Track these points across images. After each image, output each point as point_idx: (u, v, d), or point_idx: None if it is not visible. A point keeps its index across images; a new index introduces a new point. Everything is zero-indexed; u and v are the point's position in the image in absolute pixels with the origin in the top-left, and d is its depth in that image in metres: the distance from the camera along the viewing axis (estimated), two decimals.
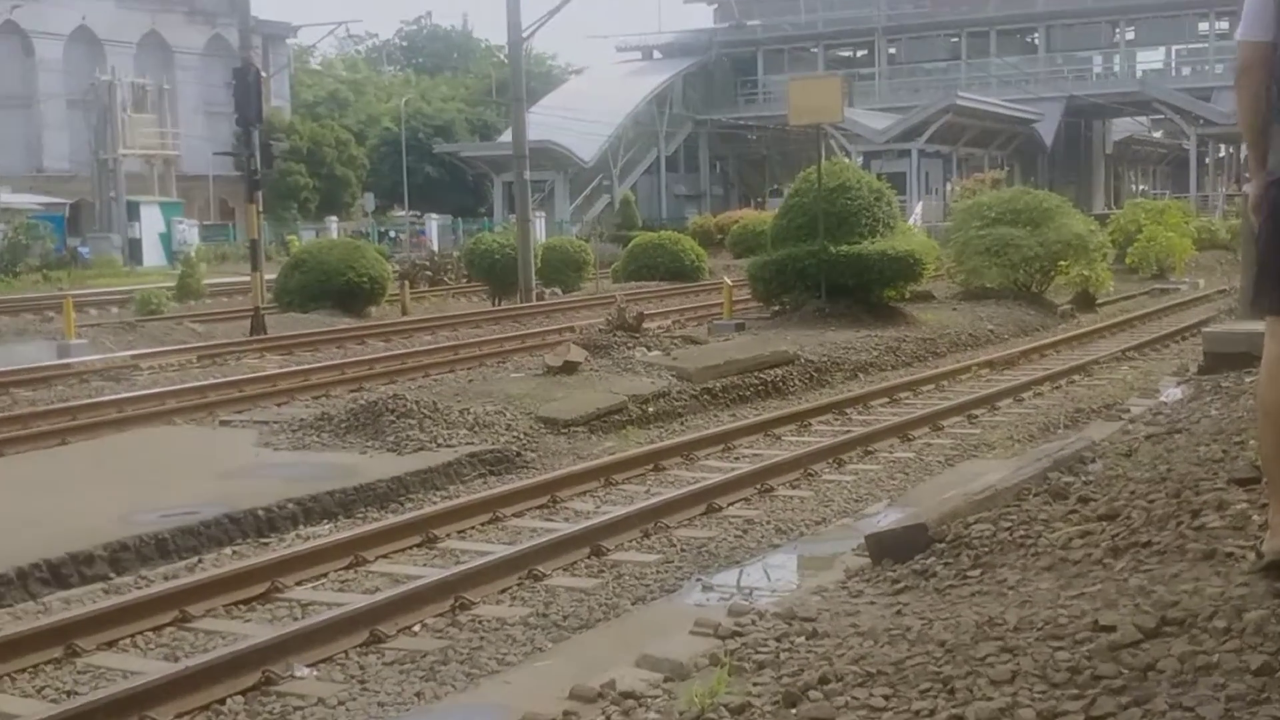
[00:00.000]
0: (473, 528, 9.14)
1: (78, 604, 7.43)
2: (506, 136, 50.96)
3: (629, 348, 16.42)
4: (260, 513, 9.13)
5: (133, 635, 6.83)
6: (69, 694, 6.09)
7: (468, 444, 11.31)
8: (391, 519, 9.19)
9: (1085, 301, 25.68)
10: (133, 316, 26.08)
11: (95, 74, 54.97)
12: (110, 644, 6.71)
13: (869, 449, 11.73)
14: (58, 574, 7.79)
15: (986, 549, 5.41)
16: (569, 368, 14.66)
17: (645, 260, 34.96)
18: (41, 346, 20.55)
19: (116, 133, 52.71)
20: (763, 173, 76.12)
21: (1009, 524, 5.66)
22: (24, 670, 6.34)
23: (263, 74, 26.22)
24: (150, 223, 50.50)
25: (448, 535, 8.88)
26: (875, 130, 60.00)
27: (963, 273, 25.57)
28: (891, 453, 11.77)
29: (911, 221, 38.21)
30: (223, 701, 5.90)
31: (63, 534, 8.26)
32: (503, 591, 7.58)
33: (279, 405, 15.01)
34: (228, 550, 8.68)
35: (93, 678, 6.32)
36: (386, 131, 71.72)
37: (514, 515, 9.48)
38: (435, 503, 9.90)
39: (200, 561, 8.41)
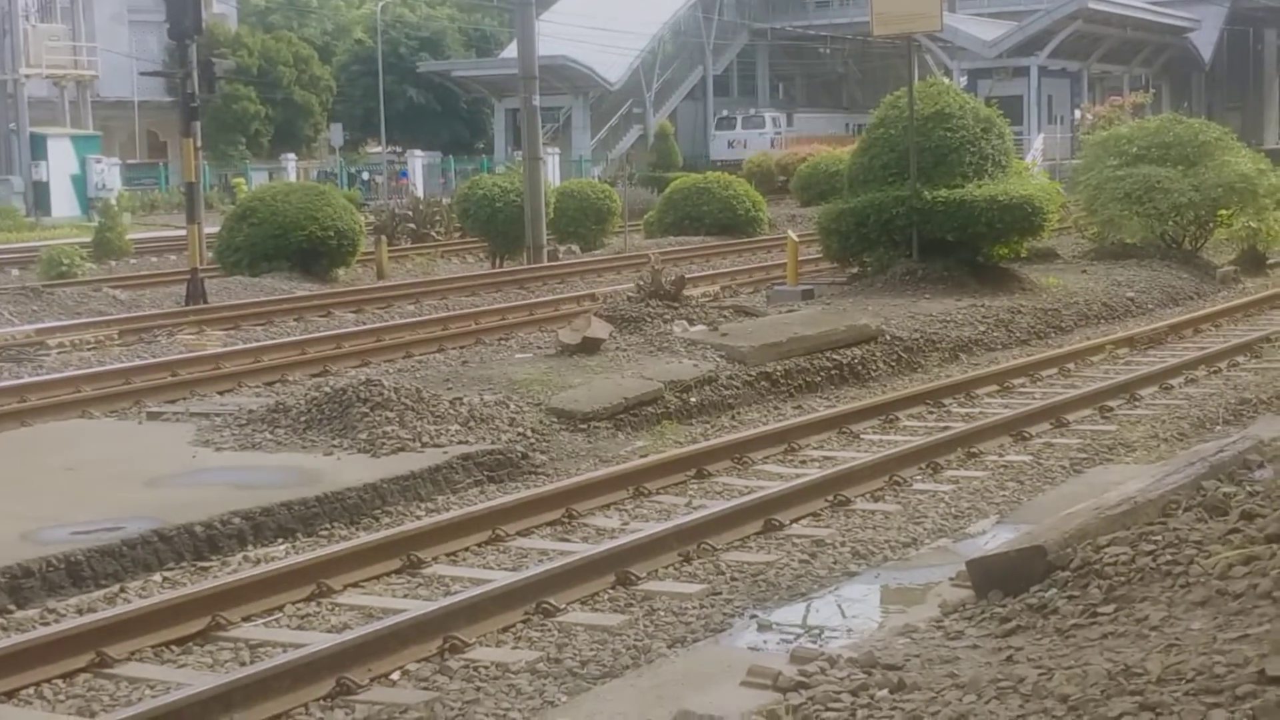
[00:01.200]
0: (466, 549, 9.18)
1: None
2: (511, 52, 51.04)
3: (666, 321, 16.42)
4: (198, 529, 9.19)
5: (38, 684, 6.89)
6: None
7: (460, 443, 11.36)
8: (364, 538, 9.24)
9: (1252, 261, 25.50)
10: (38, 280, 26.29)
11: None
12: (9, 694, 6.78)
13: (973, 450, 11.70)
14: None
15: (1122, 578, 5.38)
16: (589, 346, 14.68)
17: (687, 209, 34.95)
18: None
19: (17, 47, 53.07)
20: (838, 97, 75.90)
21: (1151, 546, 5.63)
22: None
23: None
24: (60, 161, 50.82)
25: (435, 558, 8.92)
26: (983, 42, 59.73)
27: (1095, 225, 25.47)
28: (1002, 455, 11.74)
29: (1029, 159, 38.00)
30: None
31: None
32: (504, 630, 7.61)
33: (222, 393, 15.10)
34: (157, 576, 8.74)
35: None
36: (358, 46, 71.89)
37: (519, 534, 9.51)
38: (419, 517, 9.94)
39: (123, 591, 8.48)
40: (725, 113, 67.69)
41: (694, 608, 7.93)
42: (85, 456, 11.26)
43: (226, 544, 9.23)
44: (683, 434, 12.71)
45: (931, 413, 13.57)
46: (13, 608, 8.08)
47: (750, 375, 14.33)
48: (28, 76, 53.03)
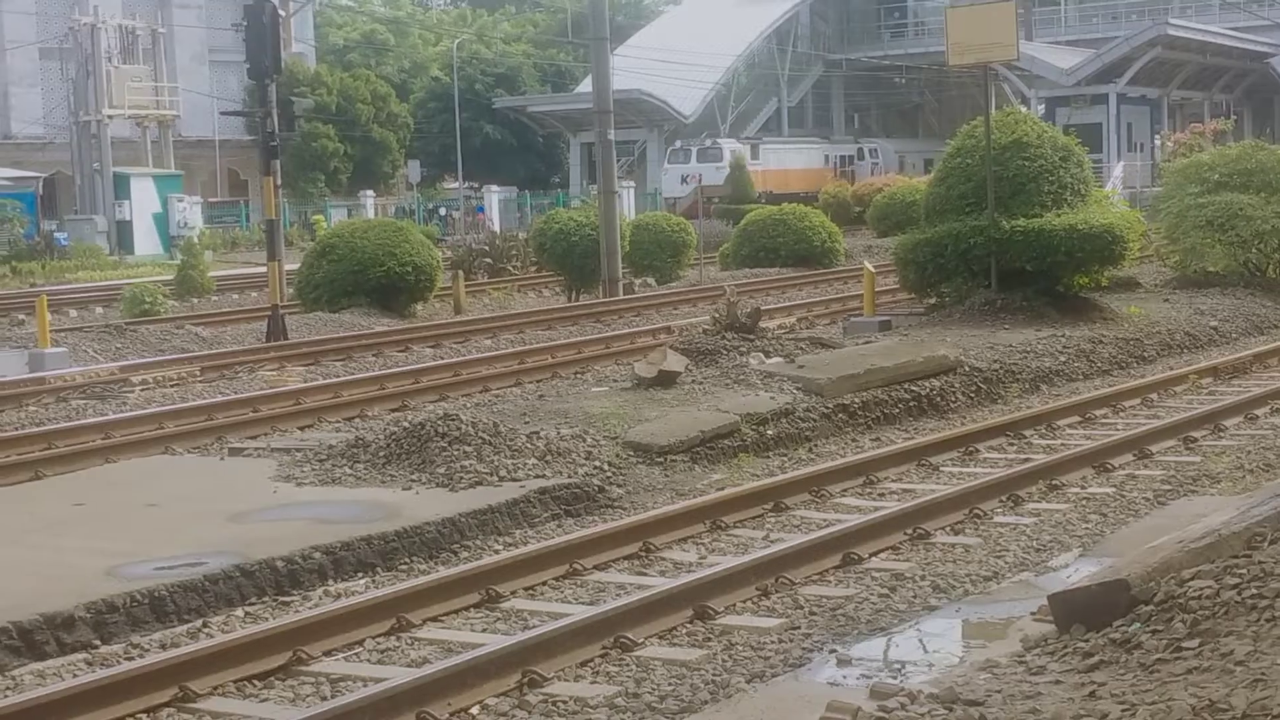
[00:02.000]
0: (544, 583, 9.20)
1: (55, 678, 7.62)
2: (585, 86, 51.31)
3: (742, 353, 16.41)
4: (279, 564, 9.28)
5: (122, 718, 6.98)
6: None
7: (537, 477, 11.40)
8: (443, 572, 9.29)
9: None
10: (121, 318, 26.70)
11: (74, 15, 56.34)
12: None
13: (1054, 482, 11.60)
14: (30, 641, 7.99)
15: (1207, 613, 5.32)
16: (665, 379, 14.70)
17: (762, 241, 34.97)
18: (9, 357, 21.13)
19: (100, 88, 53.98)
20: (914, 127, 75.72)
21: (1237, 580, 5.56)
22: None
23: (281, 13, 26.74)
24: (142, 201, 51.61)
25: (513, 593, 8.96)
26: (1060, 70, 59.40)
27: (1177, 253, 25.21)
28: (1084, 487, 11.63)
29: (1109, 187, 37.72)
30: None
31: (36, 591, 8.47)
32: (583, 665, 7.62)
33: (303, 429, 15.26)
34: (239, 611, 8.84)
35: None
36: (435, 83, 72.60)
37: (596, 567, 9.52)
38: (497, 551, 9.98)
39: (205, 626, 8.57)
40: (679, 143, 62.90)
41: (772, 642, 7.90)
42: (168, 492, 11.41)
43: (307, 579, 9.31)
44: (760, 467, 12.69)
45: (1012, 444, 13.47)
46: (98, 643, 8.19)
47: (827, 407, 14.28)
48: (111, 117, 53.89)
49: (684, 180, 57.34)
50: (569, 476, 11.50)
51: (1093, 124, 55.83)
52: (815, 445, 13.64)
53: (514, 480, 11.26)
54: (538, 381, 18.04)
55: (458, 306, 28.40)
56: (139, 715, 7.03)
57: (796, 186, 58.37)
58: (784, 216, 35.62)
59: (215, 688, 7.34)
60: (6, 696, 7.24)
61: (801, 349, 16.82)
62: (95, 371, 19.31)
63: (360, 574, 9.54)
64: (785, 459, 13.07)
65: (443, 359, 20.71)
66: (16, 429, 15.64)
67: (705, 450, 12.78)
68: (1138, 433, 13.31)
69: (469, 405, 15.37)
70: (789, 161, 62.35)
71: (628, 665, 7.62)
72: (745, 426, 13.31)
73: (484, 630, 8.34)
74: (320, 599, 9.04)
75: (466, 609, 8.68)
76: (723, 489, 11.54)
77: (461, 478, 11.26)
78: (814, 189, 57.85)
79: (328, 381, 18.44)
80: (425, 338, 23.02)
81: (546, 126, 67.00)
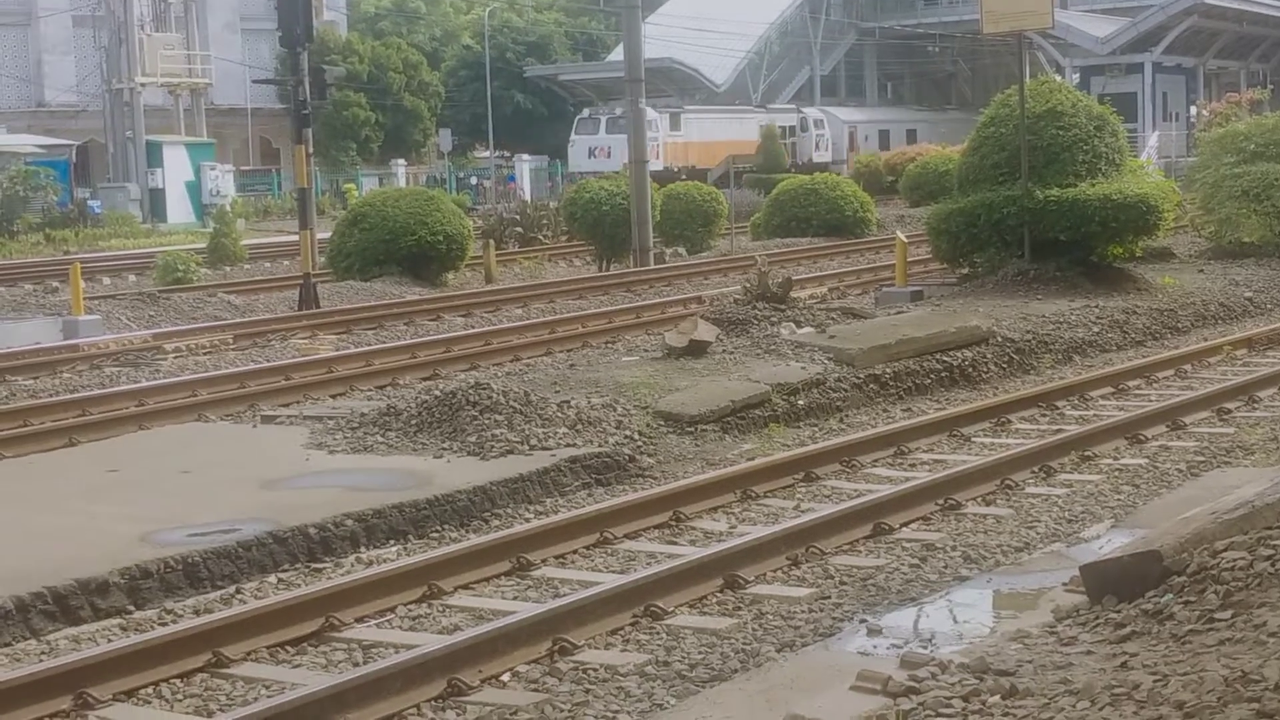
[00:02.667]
0: (575, 551, 9.24)
1: (89, 643, 7.69)
2: (617, 55, 51.15)
3: (773, 323, 16.40)
4: (312, 531, 9.33)
5: (156, 683, 7.04)
6: None
7: (568, 446, 11.43)
8: (474, 540, 9.33)
9: None
10: (154, 286, 26.82)
11: None
12: (129, 693, 6.93)
13: (1087, 453, 11.57)
14: (65, 606, 8.06)
15: (1240, 584, 5.31)
16: (696, 349, 14.70)
17: (794, 211, 34.88)
18: (43, 324, 21.26)
19: (133, 56, 54.10)
20: (947, 95, 75.33)
21: (1270, 551, 5.55)
22: None
23: None
24: (175, 169, 51.75)
25: (544, 560, 8.99)
26: (1095, 38, 59.00)
27: (1212, 223, 25.08)
28: (1116, 459, 11.60)
29: (1144, 157, 37.49)
30: None
31: (70, 557, 8.55)
32: (613, 632, 7.65)
33: (335, 397, 15.32)
34: (272, 578, 8.90)
35: None
36: (466, 51, 72.53)
37: (626, 536, 9.55)
38: (528, 519, 10.02)
39: (239, 592, 8.64)
40: (587, 112, 55.98)
41: (803, 612, 7.92)
42: (201, 459, 11.48)
43: (340, 545, 9.37)
44: (790, 437, 12.69)
45: (1044, 415, 13.44)
46: (131, 608, 8.26)
47: (859, 378, 14.27)
48: (143, 85, 54.02)
49: (591, 154, 51.35)
50: (600, 445, 11.53)
51: (1128, 93, 55.47)
52: (846, 415, 13.63)
53: (545, 449, 11.29)
54: (568, 351, 18.06)
55: (489, 275, 28.43)
56: (173, 680, 7.09)
57: (722, 160, 51.04)
58: (815, 186, 35.54)
59: (248, 653, 7.40)
60: (42, 661, 7.32)
61: (833, 319, 16.79)
62: (129, 339, 19.42)
63: (392, 541, 9.60)
64: (816, 429, 13.07)
65: (474, 328, 20.75)
66: (51, 396, 15.76)
67: (736, 420, 12.79)
68: (1171, 404, 13.26)
69: (500, 374, 15.40)
70: (716, 133, 55.39)
71: (658, 633, 7.65)
72: (776, 396, 13.31)
73: (515, 598, 8.38)
74: (352, 566, 9.10)
75: (497, 577, 8.72)
76: (753, 459, 11.55)
77: (492, 446, 11.29)
78: (746, 162, 53.51)
79: (359, 350, 18.50)
80: (456, 307, 23.06)
81: (578, 95, 66.81)
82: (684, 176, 45.42)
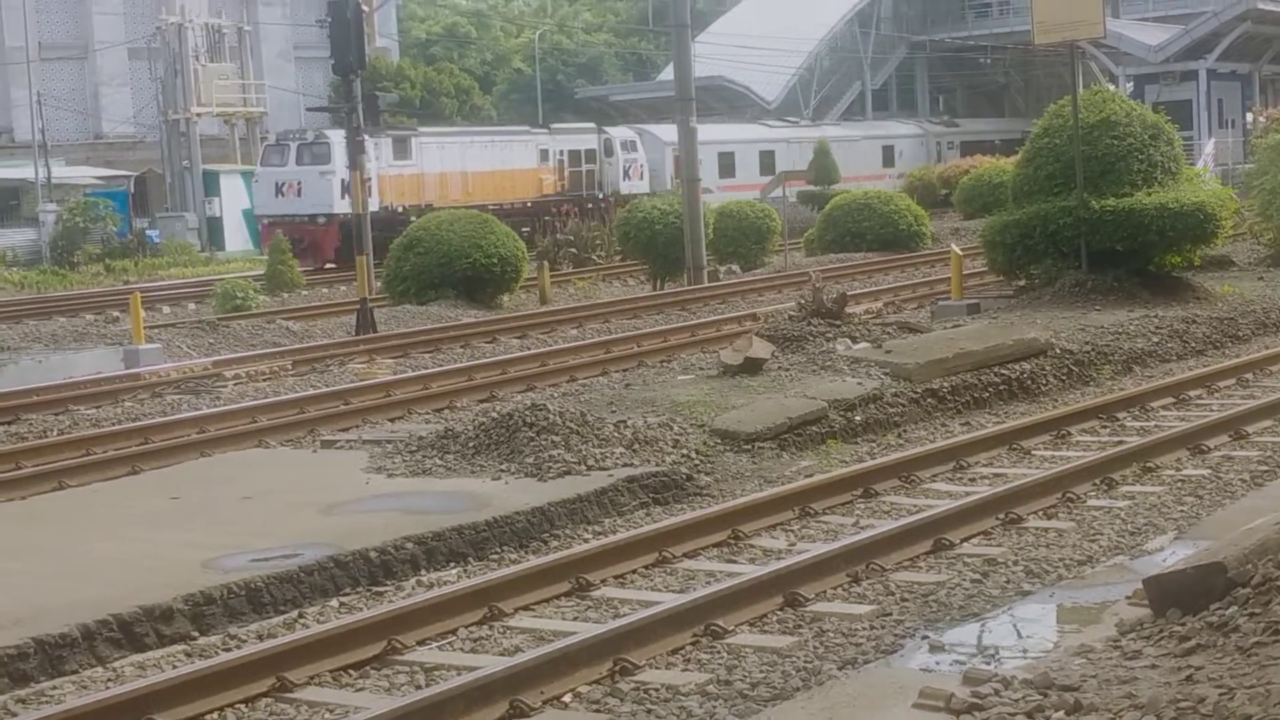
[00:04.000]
0: (634, 571, 9.24)
1: (155, 669, 7.76)
2: (667, 74, 51.24)
3: (828, 339, 16.36)
4: (373, 555, 9.38)
5: (221, 709, 7.10)
6: None
7: (625, 465, 11.44)
8: (533, 561, 9.35)
9: None
10: (213, 314, 27.06)
11: (161, 15, 57.12)
12: (195, 719, 6.99)
13: (1148, 465, 11.48)
14: (130, 633, 8.14)
15: None
16: (751, 366, 14.69)
17: (847, 226, 34.80)
18: (105, 353, 21.49)
19: (188, 87, 54.63)
20: (1000, 108, 75.03)
21: None
22: None
23: (364, 8, 26.94)
24: (232, 197, 52.17)
25: (603, 581, 9.00)
26: (1148, 47, 58.56)
27: (1271, 230, 24.87)
28: (1179, 470, 11.50)
29: (1200, 165, 37.18)
30: None
31: (135, 584, 8.63)
32: (673, 652, 7.65)
33: (393, 420, 15.40)
34: (334, 602, 8.95)
35: None
36: (518, 74, 72.92)
37: (685, 555, 9.54)
38: (586, 540, 10.03)
39: (301, 616, 8.70)
40: (274, 138, 44.19)
41: (864, 629, 7.89)
42: (262, 485, 11.56)
43: (400, 569, 9.41)
44: (848, 453, 12.65)
45: (1105, 427, 13.34)
46: (195, 634, 8.33)
47: (916, 392, 14.21)
48: (199, 115, 54.53)
49: (279, 192, 39.76)
50: (657, 465, 11.54)
51: (1182, 101, 55.04)
52: (904, 430, 13.58)
53: (602, 469, 11.31)
54: (624, 370, 18.08)
55: (543, 297, 28.51)
56: (237, 705, 7.15)
57: (484, 195, 42.14)
58: (869, 201, 35.44)
59: (312, 677, 7.44)
60: (108, 688, 7.38)
61: (888, 334, 16.75)
62: (189, 367, 19.60)
63: (452, 564, 9.63)
64: (874, 445, 13.03)
65: (529, 349, 20.81)
66: (114, 424, 15.91)
67: (793, 437, 12.77)
68: (1233, 413, 13.13)
69: (556, 395, 15.44)
70: (469, 162, 43.33)
71: (719, 653, 7.64)
72: (833, 412, 13.28)
73: (575, 619, 8.39)
74: (413, 589, 9.14)
75: (557, 597, 8.74)
76: (811, 475, 11.53)
77: (550, 467, 11.32)
78: (520, 197, 44.20)
79: (417, 373, 18.59)
80: (512, 328, 23.14)
81: (629, 115, 66.96)
82: (412, 219, 35.08)
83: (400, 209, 40.10)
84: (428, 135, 44.19)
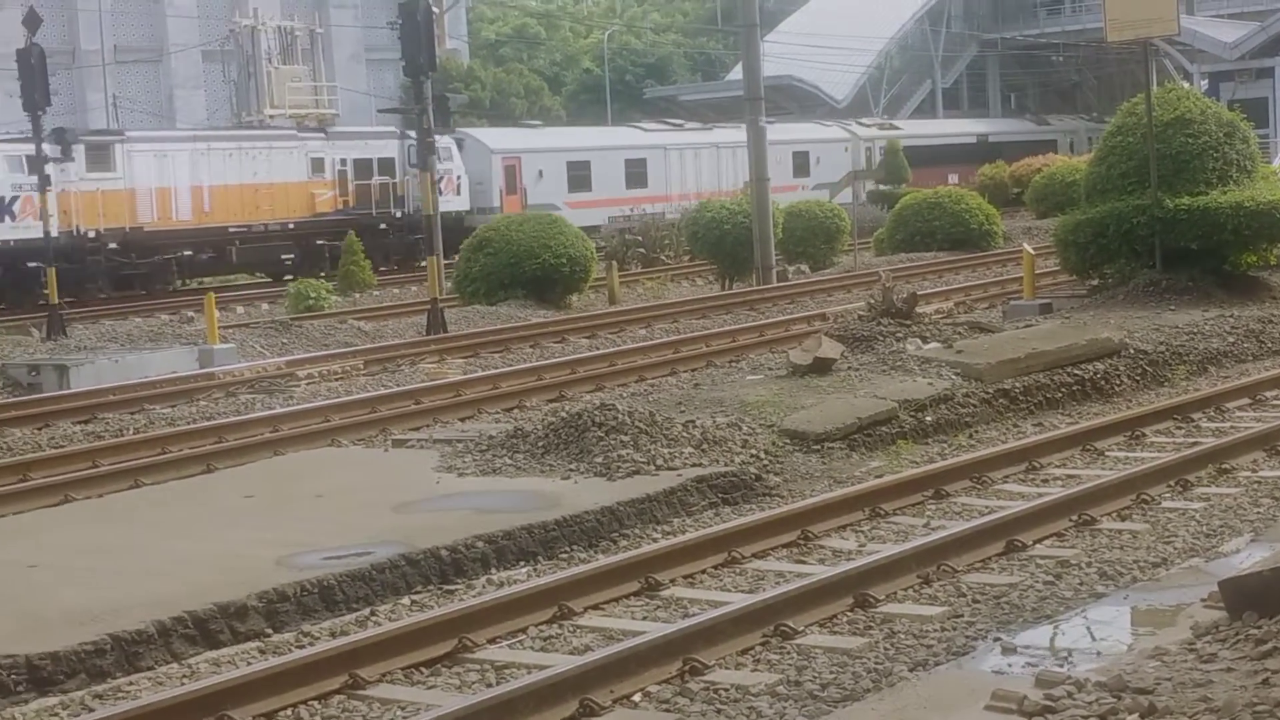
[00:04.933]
0: (703, 571, 9.24)
1: (229, 666, 7.84)
2: (736, 74, 51.27)
3: (898, 339, 16.29)
4: (444, 553, 9.43)
5: (294, 705, 7.16)
6: None
7: (694, 465, 11.44)
8: (603, 560, 9.37)
9: None
10: (286, 315, 27.31)
11: (234, 18, 57.70)
12: (268, 715, 7.05)
13: (1224, 466, 11.35)
14: (205, 630, 8.23)
15: None
16: (821, 366, 14.65)
17: (918, 225, 34.64)
18: (180, 353, 21.72)
19: (261, 89, 55.11)
20: (1073, 105, 74.43)
21: None
22: None
23: (434, 10, 27.11)
24: None
25: (672, 580, 9.00)
26: (1223, 44, 57.92)
27: None
28: (1255, 471, 11.36)
29: (1277, 163, 36.72)
30: None
31: (209, 581, 8.73)
32: (743, 652, 7.64)
33: (463, 420, 15.49)
34: (405, 600, 9.01)
35: None
36: (587, 75, 73.11)
37: (754, 555, 9.53)
38: (655, 540, 10.04)
39: (373, 614, 8.76)
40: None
41: (935, 630, 7.85)
42: (334, 484, 11.65)
43: (471, 567, 9.46)
44: (919, 454, 12.59)
45: (1180, 428, 13.20)
46: (269, 631, 8.41)
47: (987, 393, 14.12)
48: (272, 117, 55.03)
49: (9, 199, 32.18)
50: (726, 465, 11.53)
51: (1258, 98, 54.35)
52: (975, 431, 13.50)
53: (671, 469, 11.31)
54: (692, 370, 18.09)
55: (612, 297, 28.58)
56: (311, 702, 7.21)
57: (227, 215, 36.79)
58: (939, 200, 35.28)
59: (384, 674, 7.50)
60: (184, 684, 7.47)
61: (959, 334, 16.65)
62: (262, 366, 19.80)
63: (522, 563, 9.67)
64: (945, 445, 12.96)
65: (598, 349, 20.86)
66: (189, 423, 16.10)
67: (863, 437, 12.72)
68: None
69: (625, 395, 15.47)
70: (201, 174, 36.87)
71: (788, 653, 7.63)
72: (903, 413, 13.22)
73: (644, 618, 8.40)
74: (484, 587, 9.18)
75: (626, 597, 8.75)
76: (881, 476, 11.48)
77: (619, 467, 11.34)
78: (281, 218, 38.04)
79: (486, 373, 18.68)
80: (581, 328, 23.21)
81: (698, 115, 67.00)
82: (113, 246, 31.97)
83: (92, 234, 33.91)
84: (140, 140, 37.35)
